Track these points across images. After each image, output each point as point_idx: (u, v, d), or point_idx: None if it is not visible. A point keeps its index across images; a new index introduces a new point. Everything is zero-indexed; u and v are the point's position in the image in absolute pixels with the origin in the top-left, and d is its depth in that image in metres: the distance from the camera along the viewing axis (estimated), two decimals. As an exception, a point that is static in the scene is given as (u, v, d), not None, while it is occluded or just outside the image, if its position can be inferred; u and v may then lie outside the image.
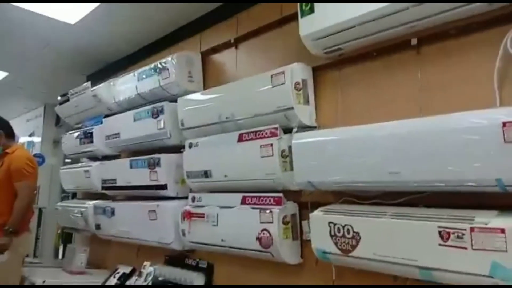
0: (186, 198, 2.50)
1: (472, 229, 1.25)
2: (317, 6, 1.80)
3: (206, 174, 2.32)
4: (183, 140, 2.55)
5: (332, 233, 1.62)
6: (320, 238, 1.68)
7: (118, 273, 2.58)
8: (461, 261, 1.26)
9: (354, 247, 1.54)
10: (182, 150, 2.52)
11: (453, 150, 1.32)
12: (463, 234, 1.26)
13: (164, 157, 2.61)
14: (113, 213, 3.03)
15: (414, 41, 1.64)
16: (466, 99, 1.48)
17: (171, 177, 2.61)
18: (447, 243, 1.30)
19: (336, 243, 1.60)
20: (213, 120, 2.31)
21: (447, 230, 1.30)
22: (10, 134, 3.06)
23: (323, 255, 1.67)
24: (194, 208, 2.37)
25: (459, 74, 1.54)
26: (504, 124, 1.22)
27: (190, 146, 2.45)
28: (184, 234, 2.41)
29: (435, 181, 1.38)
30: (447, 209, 1.40)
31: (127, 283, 2.30)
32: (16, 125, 5.84)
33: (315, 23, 1.81)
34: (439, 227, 1.32)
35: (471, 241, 1.24)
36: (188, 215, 2.37)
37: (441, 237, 1.31)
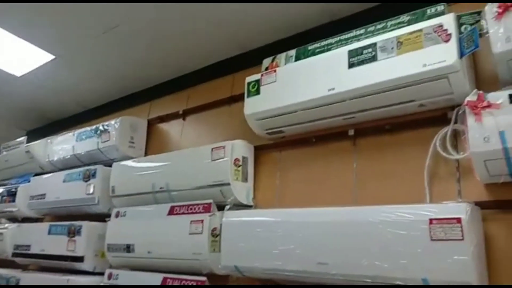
0: (103, 275, 2.23)
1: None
2: (263, 88, 1.83)
3: (128, 248, 2.11)
4: (112, 209, 2.36)
5: (252, 327, 1.45)
6: (238, 332, 1.49)
7: None
8: None
9: None
10: (107, 219, 2.32)
11: (381, 244, 1.27)
12: (388, 339, 1.16)
13: (86, 225, 2.38)
14: (17, 283, 2.64)
15: (351, 132, 1.68)
16: (398, 193, 1.48)
17: (91, 249, 2.35)
18: None
19: None
20: (146, 189, 2.17)
21: (372, 332, 1.19)
22: None
23: None
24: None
25: (392, 168, 1.56)
26: (431, 221, 1.20)
27: (117, 215, 2.25)
28: (93, 317, 2.11)
29: (362, 276, 1.30)
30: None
31: None
32: None
33: (259, 104, 1.83)
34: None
35: None
36: (100, 295, 2.09)
37: None
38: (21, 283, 2.60)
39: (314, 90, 1.62)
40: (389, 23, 1.58)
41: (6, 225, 3.10)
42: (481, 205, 1.29)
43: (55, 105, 3.36)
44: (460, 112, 1.32)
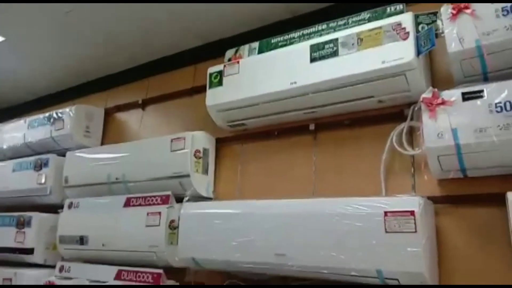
0: (55, 267, 2.14)
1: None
2: (226, 80, 1.81)
3: (81, 240, 2.03)
4: (65, 199, 2.25)
5: (208, 320, 1.43)
6: (194, 325, 1.47)
7: None
8: None
9: (229, 337, 1.36)
10: (59, 210, 2.22)
11: (338, 236, 1.29)
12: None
13: (36, 216, 2.27)
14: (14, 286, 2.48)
15: (312, 126, 1.69)
16: (356, 186, 1.51)
17: (41, 241, 2.25)
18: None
19: (210, 332, 1.41)
20: (101, 180, 2.10)
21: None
22: None
23: None
24: (59, 280, 2.02)
25: (351, 162, 1.59)
26: (385, 213, 1.23)
27: (70, 206, 2.16)
28: (42, 311, 2.01)
29: (319, 267, 1.31)
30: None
31: None
32: None
33: (221, 96, 1.81)
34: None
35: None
36: None
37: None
38: (-37, 278, 2.44)
39: (277, 83, 1.62)
40: (350, 20, 1.60)
41: None
42: (433, 199, 1.34)
43: (5, 91, 3.15)
44: (416, 108, 1.36)
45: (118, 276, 1.83)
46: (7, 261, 2.37)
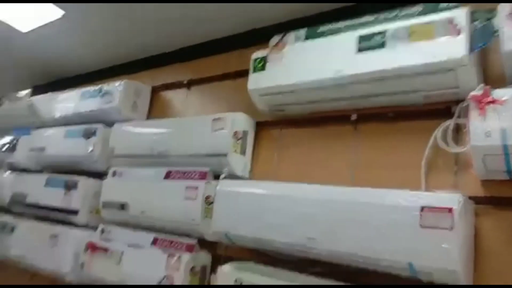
0: (96, 230, 2.28)
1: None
2: (269, 65, 1.83)
3: (122, 206, 2.14)
4: (109, 168, 2.38)
5: (236, 292, 1.49)
6: (222, 295, 1.54)
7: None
8: None
9: (255, 310, 1.42)
10: (104, 177, 2.35)
11: (371, 226, 1.30)
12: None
13: (83, 181, 2.42)
14: (12, 230, 2.70)
15: (353, 117, 1.68)
16: (395, 180, 1.49)
17: (86, 204, 2.40)
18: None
19: (237, 303, 1.47)
20: (145, 152, 2.20)
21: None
22: None
23: (221, 314, 1.52)
24: (100, 241, 2.15)
25: (391, 155, 1.57)
26: (422, 208, 1.22)
27: (114, 174, 2.29)
28: (82, 267, 2.16)
29: (349, 254, 1.33)
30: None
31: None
32: None
33: (263, 80, 1.83)
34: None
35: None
36: (91, 248, 2.14)
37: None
38: (16, 230, 2.66)
39: (321, 70, 1.62)
40: (401, 13, 1.57)
41: (5, 174, 3.14)
42: (475, 199, 1.31)
43: (61, 64, 3.34)
44: (463, 105, 1.32)
45: (154, 243, 1.93)
46: (54, 219, 2.55)
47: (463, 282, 1.19)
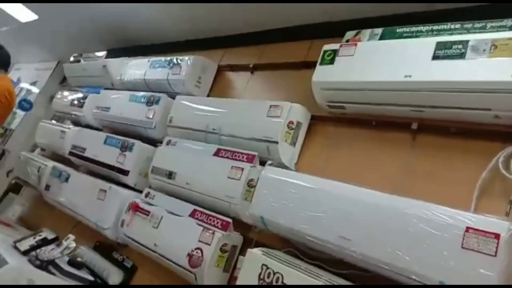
0: (142, 192, 2.40)
1: (397, 322, 1.15)
2: (338, 59, 1.81)
3: (170, 175, 2.23)
4: (164, 136, 2.49)
5: (261, 276, 1.50)
6: (247, 276, 1.56)
7: (40, 236, 2.42)
8: None
9: (276, 297, 1.43)
10: (158, 144, 2.46)
11: (410, 237, 1.25)
12: (387, 324, 1.17)
13: (138, 144, 2.55)
14: (67, 179, 2.91)
15: (414, 125, 1.63)
16: (445, 196, 1.43)
17: (137, 166, 2.53)
18: (367, 327, 1.20)
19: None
20: (200, 127, 2.27)
21: (373, 314, 1.20)
22: (3, 65, 3.01)
23: (243, 294, 1.55)
24: (143, 204, 2.26)
25: (446, 171, 1.51)
26: (467, 229, 1.16)
27: (168, 143, 2.39)
28: (122, 225, 2.28)
29: (380, 260, 1.30)
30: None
31: (43, 248, 2.14)
32: (24, 69, 5.82)
33: (330, 74, 1.81)
34: (366, 308, 1.22)
35: (392, 334, 1.14)
36: (134, 208, 2.26)
37: (364, 319, 1.21)
38: (71, 179, 2.87)
39: (390, 73, 1.57)
40: (488, 24, 1.48)
41: (69, 126, 3.39)
42: (526, 232, 1.22)
43: (138, 31, 3.51)
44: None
45: (192, 214, 2.00)
46: (106, 176, 2.72)
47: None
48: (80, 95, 3.47)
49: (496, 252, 1.10)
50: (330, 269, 1.52)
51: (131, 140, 2.59)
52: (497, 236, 1.11)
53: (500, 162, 1.36)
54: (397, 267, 1.26)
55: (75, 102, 3.46)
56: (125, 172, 2.54)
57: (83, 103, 3.33)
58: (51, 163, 3.21)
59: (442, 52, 1.47)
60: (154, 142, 2.58)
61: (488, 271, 1.10)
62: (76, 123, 3.50)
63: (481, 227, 1.14)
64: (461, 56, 1.42)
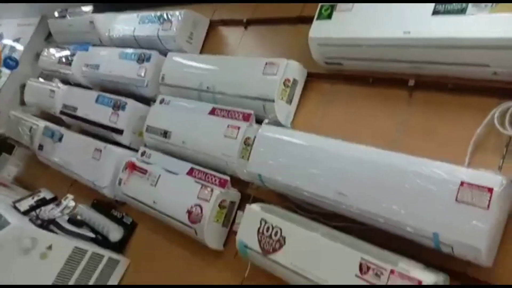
0: (137, 151, 2.40)
1: (392, 271, 1.22)
2: (336, 14, 1.76)
3: (165, 134, 2.23)
4: (157, 95, 2.46)
5: (260, 230, 1.56)
6: (246, 231, 1.62)
7: (38, 196, 2.44)
8: (370, 298, 1.23)
9: (275, 250, 1.49)
10: (151, 103, 2.44)
11: (406, 192, 1.29)
12: (382, 273, 1.23)
13: (131, 103, 2.52)
14: (60, 139, 2.89)
15: (411, 82, 1.63)
16: (440, 151, 1.46)
17: (131, 125, 2.52)
18: (363, 277, 1.26)
19: (260, 241, 1.54)
20: (193, 85, 2.24)
21: (368, 264, 1.27)
22: None
23: (243, 248, 1.61)
24: (139, 162, 2.27)
25: (442, 127, 1.53)
26: (462, 183, 1.20)
27: (161, 101, 2.36)
28: (120, 184, 2.31)
29: (377, 215, 1.35)
30: (377, 247, 1.37)
31: (43, 208, 2.17)
32: (5, 25, 5.57)
33: (327, 29, 1.78)
34: (362, 258, 1.28)
35: (387, 282, 1.21)
36: (131, 167, 2.27)
37: (360, 269, 1.27)
38: (64, 139, 2.85)
39: (389, 29, 1.55)
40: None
41: (59, 85, 3.32)
42: (518, 186, 1.27)
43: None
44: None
45: (189, 172, 2.02)
46: (100, 136, 2.70)
47: (483, 261, 1.18)
48: (67, 52, 3.36)
49: (488, 205, 1.14)
50: (326, 223, 1.57)
51: (124, 99, 2.56)
52: (490, 190, 1.15)
53: (495, 118, 1.38)
54: (393, 221, 1.31)
55: (63, 59, 3.36)
56: (119, 131, 2.52)
57: (71, 60, 3.24)
58: (42, 123, 3.17)
59: (443, 7, 1.44)
60: (147, 101, 2.55)
61: (480, 223, 1.15)
62: (65, 81, 3.42)
63: (475, 181, 1.18)
64: (462, 11, 1.39)
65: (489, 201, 1.14)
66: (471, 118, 1.44)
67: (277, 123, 1.91)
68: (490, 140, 1.40)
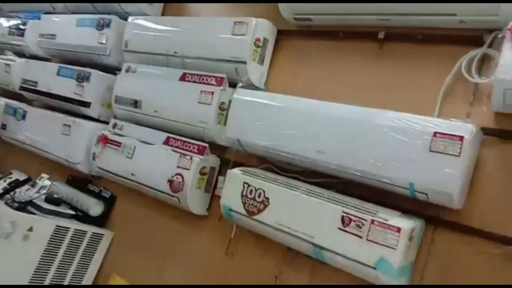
0: (108, 123, 2.34)
1: (372, 221, 1.29)
2: (299, -34, 1.71)
3: (136, 104, 2.18)
4: (122, 63, 2.37)
5: (244, 193, 1.59)
6: (230, 195, 1.65)
7: (11, 178, 2.37)
8: (353, 248, 1.31)
9: (260, 211, 1.53)
10: (117, 72, 2.34)
11: (381, 145, 1.34)
12: (363, 224, 1.30)
13: (95, 74, 2.41)
14: (24, 117, 2.77)
15: (381, 35, 1.63)
16: (412, 103, 1.50)
17: (98, 97, 2.43)
18: (346, 229, 1.33)
19: (244, 203, 1.58)
20: (159, 50, 2.16)
21: (350, 216, 1.33)
22: None
23: (228, 212, 1.65)
24: (112, 135, 2.22)
25: (413, 78, 1.56)
26: (435, 134, 1.25)
27: (127, 70, 2.27)
28: (94, 158, 2.26)
29: (355, 169, 1.40)
30: (356, 199, 1.44)
31: (17, 190, 2.11)
32: None
33: (292, -18, 1.73)
34: (344, 212, 1.35)
35: (368, 232, 1.28)
36: (104, 140, 2.22)
37: (343, 221, 1.34)
38: (28, 116, 2.73)
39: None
40: None
41: (13, 58, 3.12)
42: (484, 130, 1.33)
43: None
44: (498, 36, 1.29)
45: (166, 142, 2.00)
46: (67, 110, 2.60)
47: (454, 204, 1.27)
48: (18, 21, 3.13)
49: (460, 152, 1.20)
50: (306, 180, 1.62)
51: (87, 70, 2.45)
52: (461, 138, 1.21)
53: (463, 66, 1.42)
54: (370, 174, 1.37)
55: (14, 30, 3.13)
56: (86, 104, 2.43)
57: (24, 31, 3.03)
58: (2, 100, 3.01)
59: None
60: (112, 70, 2.45)
61: (452, 169, 1.21)
62: (19, 53, 3.22)
63: (447, 131, 1.24)
64: (428, -40, 1.39)
65: (461, 148, 1.20)
66: (441, 68, 1.47)
67: (251, 86, 1.89)
68: (459, 88, 1.44)
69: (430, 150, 1.25)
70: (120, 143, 2.15)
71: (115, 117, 2.34)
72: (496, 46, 1.31)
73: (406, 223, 1.27)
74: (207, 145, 1.88)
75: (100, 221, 2.34)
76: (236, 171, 1.67)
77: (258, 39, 1.86)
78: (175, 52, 2.10)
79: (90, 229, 2.21)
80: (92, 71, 2.43)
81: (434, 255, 1.38)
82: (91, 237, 2.21)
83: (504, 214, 1.29)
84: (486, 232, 1.30)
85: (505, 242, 1.25)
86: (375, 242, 1.26)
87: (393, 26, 1.60)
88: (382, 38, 1.62)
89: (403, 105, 1.47)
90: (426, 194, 1.29)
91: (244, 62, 1.84)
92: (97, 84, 2.42)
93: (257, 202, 1.54)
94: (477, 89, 1.41)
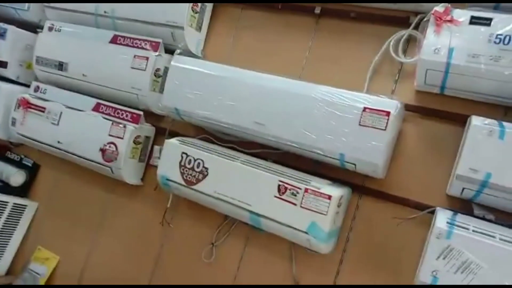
0: (28, 86, 2.15)
1: (306, 190, 1.37)
2: None
3: (61, 66, 2.02)
4: (43, 20, 2.16)
5: (182, 163, 1.59)
6: (168, 166, 1.63)
7: None
8: (288, 215, 1.39)
9: (198, 181, 1.55)
10: (38, 30, 2.14)
11: (316, 119, 1.41)
12: (298, 192, 1.38)
13: (12, 30, 2.18)
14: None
15: (317, 10, 1.68)
16: (342, 78, 1.59)
17: (15, 56, 2.21)
18: (281, 197, 1.40)
19: (182, 174, 1.58)
20: (87, 9, 2.01)
21: (286, 185, 1.40)
22: None
23: (165, 182, 1.64)
24: (34, 99, 2.05)
25: (344, 54, 1.64)
26: (364, 109, 1.35)
27: (51, 29, 2.09)
28: (14, 124, 2.08)
29: (291, 141, 1.46)
30: (291, 169, 1.51)
31: None
32: None
33: None
34: (280, 181, 1.41)
35: (302, 199, 1.37)
36: (25, 104, 2.04)
37: (279, 190, 1.41)
38: None
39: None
40: None
41: None
42: (407, 107, 1.46)
43: None
44: (424, 19, 1.39)
45: (96, 108, 1.90)
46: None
47: (379, 174, 1.40)
48: None
49: (386, 126, 1.31)
50: (244, 151, 1.65)
51: (2, 25, 2.19)
52: (387, 113, 1.31)
53: (390, 46, 1.52)
54: (305, 145, 1.44)
55: None
56: (2, 64, 2.20)
57: None
58: None
59: None
60: (31, 28, 2.23)
61: (378, 142, 1.32)
62: None
63: (375, 106, 1.33)
64: None
65: (387, 123, 1.31)
66: (372, 46, 1.56)
67: (188, 52, 1.84)
68: (386, 66, 1.55)
69: (360, 124, 1.35)
70: (44, 108, 1.99)
71: (37, 80, 2.15)
72: (421, 29, 1.42)
73: (336, 191, 1.38)
74: (141, 113, 1.82)
75: (22, 191, 2.19)
76: (174, 141, 1.65)
77: (195, 4, 1.81)
78: (105, 12, 1.96)
79: (11, 200, 2.07)
80: (9, 27, 2.18)
81: (359, 220, 1.53)
82: (12, 208, 2.07)
83: (420, 183, 1.45)
84: (404, 198, 1.46)
85: (420, 208, 1.42)
86: (308, 209, 1.36)
87: (330, 2, 1.65)
88: (318, 12, 1.67)
89: (336, 79, 1.55)
90: (355, 165, 1.39)
91: (182, 28, 1.78)
92: (13, 41, 2.19)
93: (196, 172, 1.55)
94: (402, 68, 1.53)
